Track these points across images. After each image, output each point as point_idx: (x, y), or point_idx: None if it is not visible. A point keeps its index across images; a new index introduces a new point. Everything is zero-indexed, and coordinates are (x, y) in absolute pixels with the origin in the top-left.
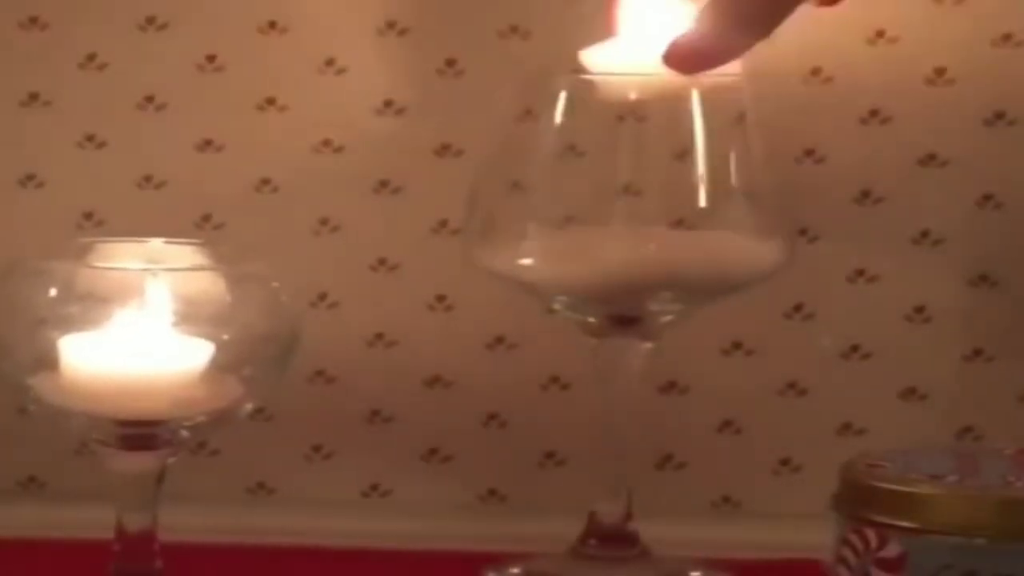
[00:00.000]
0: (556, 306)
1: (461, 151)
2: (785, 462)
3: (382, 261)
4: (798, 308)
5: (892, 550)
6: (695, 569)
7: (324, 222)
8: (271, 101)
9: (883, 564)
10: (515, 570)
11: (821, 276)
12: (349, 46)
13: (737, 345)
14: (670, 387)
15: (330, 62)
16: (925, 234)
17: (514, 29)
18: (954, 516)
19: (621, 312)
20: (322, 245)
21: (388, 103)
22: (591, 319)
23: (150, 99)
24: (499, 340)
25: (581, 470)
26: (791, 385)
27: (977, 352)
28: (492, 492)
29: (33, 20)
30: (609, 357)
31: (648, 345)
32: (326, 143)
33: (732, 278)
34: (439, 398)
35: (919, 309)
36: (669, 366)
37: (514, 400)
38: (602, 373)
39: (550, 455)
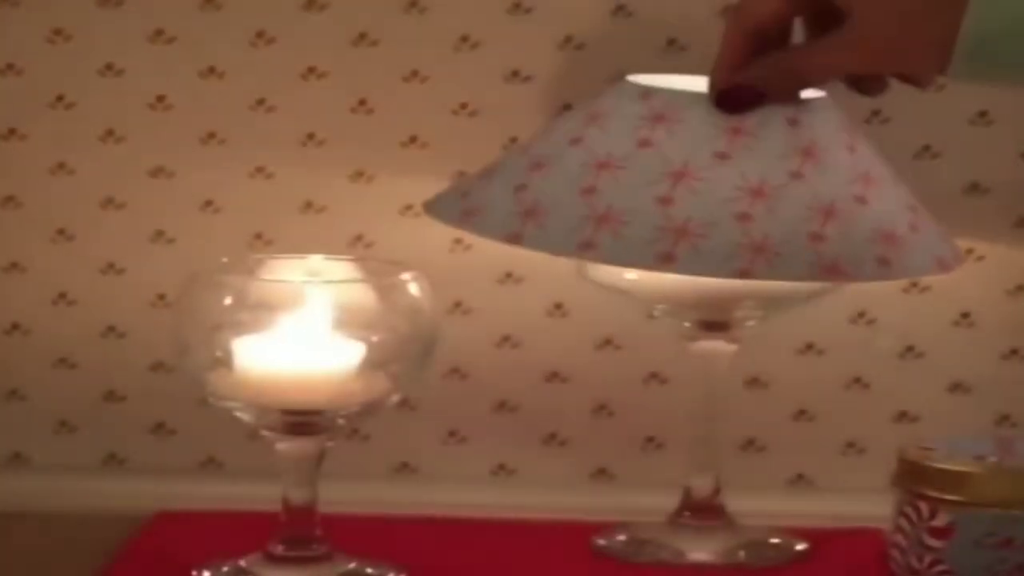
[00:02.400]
0: (656, 313)
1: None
2: (851, 445)
3: (509, 274)
4: (861, 315)
5: (942, 520)
6: (774, 536)
7: (458, 241)
8: (413, 139)
9: (934, 532)
10: (621, 537)
11: (880, 288)
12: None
13: (810, 346)
14: (753, 382)
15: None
16: (970, 250)
17: None
18: (994, 491)
19: (711, 318)
20: (457, 260)
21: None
22: (686, 324)
23: (310, 136)
24: (607, 341)
25: (677, 453)
26: (856, 380)
27: (1014, 351)
28: (601, 471)
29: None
30: (701, 357)
31: (734, 346)
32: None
33: (803, 288)
34: (556, 391)
35: (965, 315)
36: (752, 364)
37: (619, 393)
38: (696, 370)
39: (651, 439)
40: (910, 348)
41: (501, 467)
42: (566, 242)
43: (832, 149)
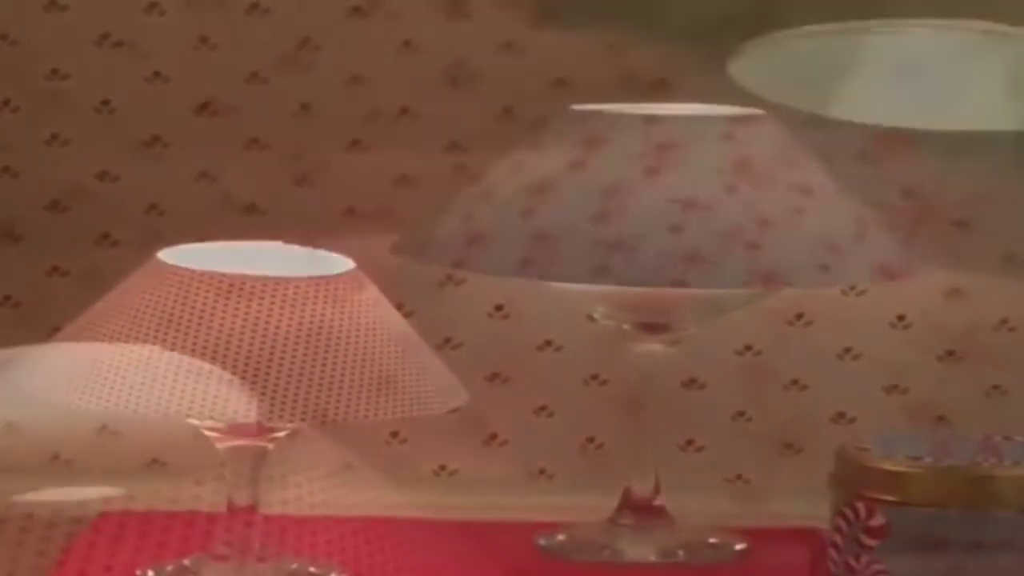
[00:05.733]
0: (596, 315)
1: None
2: (788, 446)
3: (449, 278)
4: (800, 316)
5: (878, 520)
6: (713, 536)
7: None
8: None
9: (871, 532)
10: (561, 536)
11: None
12: None
13: (748, 347)
14: (691, 383)
15: None
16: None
17: None
18: (929, 491)
19: (650, 320)
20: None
21: None
22: (625, 326)
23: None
24: (548, 343)
25: (617, 453)
26: (794, 381)
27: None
28: (541, 471)
29: None
30: (641, 358)
31: (673, 349)
32: None
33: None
34: (497, 392)
35: (900, 315)
36: (691, 365)
37: (561, 394)
38: (635, 371)
39: (591, 440)
40: (847, 349)
41: (442, 467)
42: (506, 263)
43: (768, 163)
